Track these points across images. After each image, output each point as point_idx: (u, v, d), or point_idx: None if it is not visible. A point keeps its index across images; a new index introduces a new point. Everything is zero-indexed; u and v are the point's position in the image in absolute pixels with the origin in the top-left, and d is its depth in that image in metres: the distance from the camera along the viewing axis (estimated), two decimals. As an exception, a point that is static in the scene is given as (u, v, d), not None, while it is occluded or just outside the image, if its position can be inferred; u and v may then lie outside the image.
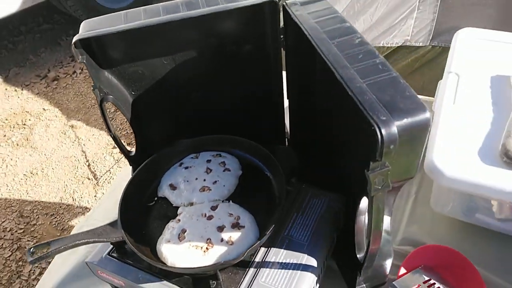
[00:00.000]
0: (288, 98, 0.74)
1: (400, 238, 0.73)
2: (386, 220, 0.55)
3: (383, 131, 0.39)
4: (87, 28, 0.60)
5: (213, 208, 0.66)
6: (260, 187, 0.70)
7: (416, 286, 0.64)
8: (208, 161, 0.73)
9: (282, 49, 0.67)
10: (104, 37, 0.60)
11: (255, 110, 0.72)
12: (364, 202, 0.54)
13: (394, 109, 0.41)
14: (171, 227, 0.63)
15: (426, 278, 0.65)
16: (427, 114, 0.41)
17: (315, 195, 0.69)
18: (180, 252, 0.60)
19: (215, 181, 0.69)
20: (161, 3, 0.63)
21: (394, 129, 0.40)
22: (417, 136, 0.42)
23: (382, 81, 0.44)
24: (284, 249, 0.62)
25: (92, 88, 0.64)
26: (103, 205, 0.90)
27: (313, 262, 0.61)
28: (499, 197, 0.59)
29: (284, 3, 0.61)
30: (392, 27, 1.55)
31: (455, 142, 0.64)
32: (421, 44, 1.54)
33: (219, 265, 0.57)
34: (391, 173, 0.43)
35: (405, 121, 0.40)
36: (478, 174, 0.59)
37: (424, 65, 1.56)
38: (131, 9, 0.63)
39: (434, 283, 0.64)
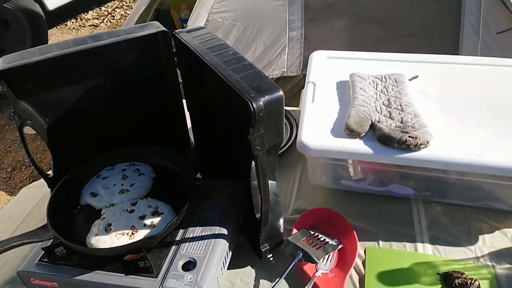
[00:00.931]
0: (188, 110, 0.90)
1: (291, 209, 0.91)
2: (273, 184, 0.73)
3: (254, 104, 0.58)
4: (6, 61, 0.70)
5: (133, 204, 0.77)
6: (174, 184, 0.83)
7: (305, 238, 0.81)
8: (124, 170, 0.84)
9: (177, 68, 0.84)
10: (20, 68, 0.70)
11: (161, 122, 0.86)
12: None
13: (260, 90, 0.60)
14: (97, 224, 0.72)
15: (312, 233, 0.83)
16: (280, 92, 0.61)
17: (220, 185, 0.84)
18: (109, 241, 0.69)
19: (132, 184, 0.80)
20: (71, 39, 0.76)
21: (260, 102, 0.58)
22: (276, 107, 0.61)
23: (250, 74, 0.63)
24: (199, 226, 0.75)
25: (11, 114, 0.72)
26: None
27: (224, 231, 0.75)
28: (347, 157, 0.82)
29: (174, 32, 0.78)
30: (271, 62, 1.85)
31: (316, 126, 0.86)
32: (294, 74, 1.86)
33: (145, 240, 0.67)
34: (266, 138, 0.61)
35: (267, 97, 0.59)
36: (332, 144, 0.81)
37: (300, 90, 1.88)
38: (45, 45, 0.74)
39: (318, 235, 0.83)
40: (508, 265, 0.76)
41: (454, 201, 0.88)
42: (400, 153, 0.78)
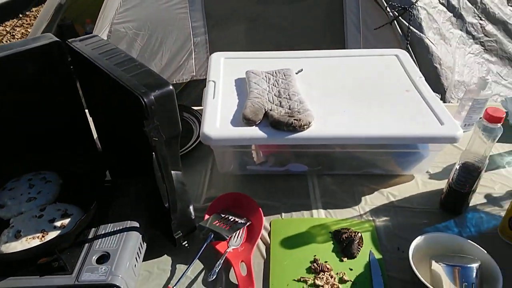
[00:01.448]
0: (90, 115, 0.93)
1: (204, 198, 0.99)
2: (178, 174, 0.79)
3: (145, 98, 0.64)
4: None
5: (42, 209, 0.78)
6: (82, 187, 0.86)
7: (216, 221, 0.89)
8: (30, 179, 0.85)
9: (74, 77, 0.86)
10: None
11: (65, 129, 0.88)
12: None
13: (150, 86, 0.66)
14: (7, 232, 0.73)
15: (223, 216, 0.91)
16: (170, 87, 0.68)
17: (129, 183, 0.89)
18: (19, 246, 0.70)
19: (39, 191, 0.81)
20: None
21: (151, 96, 0.65)
22: (168, 100, 0.68)
23: (141, 73, 0.70)
24: (111, 223, 0.79)
25: None
26: None
27: (135, 224, 0.79)
28: (245, 143, 0.92)
29: (67, 41, 0.81)
30: (179, 67, 1.91)
31: (217, 119, 0.94)
32: (204, 77, 1.94)
33: (55, 239, 0.70)
34: (162, 129, 0.68)
35: (157, 91, 0.66)
36: (232, 133, 0.90)
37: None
38: None
39: (228, 216, 0.91)
40: (384, 218, 0.91)
41: (341, 172, 1.03)
42: (289, 134, 0.89)
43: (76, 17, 3.00)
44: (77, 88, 0.88)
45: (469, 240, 0.78)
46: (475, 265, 0.72)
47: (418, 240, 0.78)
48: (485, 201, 0.96)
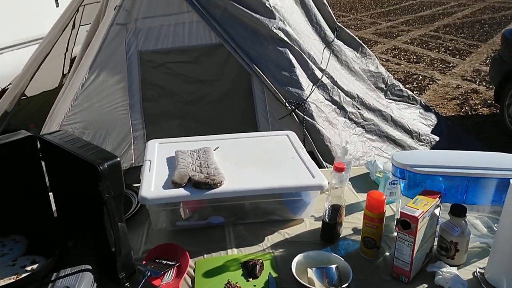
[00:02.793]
0: (51, 190, 1.20)
1: (142, 251, 1.25)
2: (122, 226, 1.07)
3: (100, 166, 0.96)
4: None
5: (14, 260, 1.01)
6: (47, 244, 1.09)
7: (152, 264, 1.15)
8: (1, 241, 1.07)
9: (42, 161, 1.16)
10: None
11: (32, 201, 1.14)
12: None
13: (104, 158, 0.98)
14: (-15, 278, 0.94)
15: (157, 260, 1.18)
16: (118, 159, 1.01)
17: (82, 237, 1.14)
18: (-3, 285, 0.92)
19: (11, 248, 1.04)
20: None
21: (105, 165, 0.97)
22: (116, 168, 1.00)
23: (97, 151, 1.02)
24: (69, 267, 1.03)
25: None
26: None
27: (88, 267, 1.04)
28: (173, 200, 1.23)
29: (39, 136, 1.13)
30: (121, 156, 2.22)
31: (151, 185, 1.25)
32: (141, 164, 2.25)
33: (28, 276, 0.93)
34: (111, 189, 0.99)
35: (109, 162, 0.98)
36: (163, 193, 1.22)
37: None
38: None
39: (162, 260, 1.17)
40: (281, 250, 1.24)
41: (250, 221, 1.36)
42: (207, 191, 1.23)
43: (21, 123, 3.25)
44: (42, 171, 1.17)
45: (332, 253, 1.13)
46: (334, 266, 1.06)
47: (299, 257, 1.11)
48: (352, 232, 1.32)
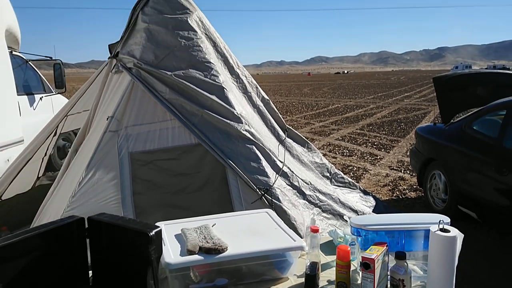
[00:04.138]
0: (91, 262, 1.48)
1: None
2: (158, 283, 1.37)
3: (150, 233, 1.30)
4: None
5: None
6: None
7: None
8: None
9: (87, 238, 1.45)
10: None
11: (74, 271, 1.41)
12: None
13: (150, 227, 1.33)
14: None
15: (181, 314, 1.45)
16: (160, 228, 1.36)
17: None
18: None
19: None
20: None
21: (153, 232, 1.31)
22: (159, 235, 1.34)
23: (139, 222, 1.37)
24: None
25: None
26: None
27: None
28: (189, 265, 1.55)
29: (89, 217, 1.44)
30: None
31: (170, 254, 1.57)
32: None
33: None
34: (157, 251, 1.32)
35: (154, 230, 1.33)
36: (182, 259, 1.54)
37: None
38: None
39: (185, 313, 1.45)
40: (276, 298, 1.57)
41: (247, 281, 1.69)
42: (216, 255, 1.57)
43: (-8, 224, 3.31)
44: (86, 246, 1.46)
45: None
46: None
47: (294, 298, 1.46)
48: (327, 283, 1.70)
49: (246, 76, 3.45)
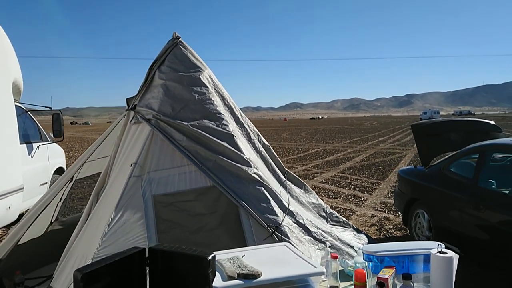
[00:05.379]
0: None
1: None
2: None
3: (208, 257, 1.57)
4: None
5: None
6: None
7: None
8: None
9: (147, 266, 1.70)
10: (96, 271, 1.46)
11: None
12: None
13: (206, 253, 1.60)
14: None
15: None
16: (214, 254, 1.63)
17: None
18: None
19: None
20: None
21: (210, 256, 1.58)
22: (214, 260, 1.61)
23: (189, 249, 1.64)
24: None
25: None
26: None
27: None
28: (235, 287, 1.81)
29: (150, 247, 1.69)
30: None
31: (216, 280, 1.82)
32: None
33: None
34: (213, 274, 1.58)
35: (211, 255, 1.60)
36: (225, 284, 1.79)
37: None
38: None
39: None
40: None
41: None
42: (253, 280, 1.83)
43: (7, 269, 3.40)
44: (145, 274, 1.70)
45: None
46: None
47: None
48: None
49: (248, 125, 3.83)
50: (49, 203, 3.30)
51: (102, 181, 3.25)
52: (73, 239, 2.91)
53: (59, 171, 6.93)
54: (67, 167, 7.56)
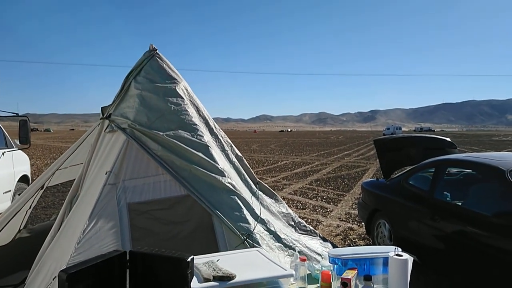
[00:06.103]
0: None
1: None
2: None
3: (187, 259, 1.69)
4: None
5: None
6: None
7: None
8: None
9: (127, 269, 1.78)
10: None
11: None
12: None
13: (185, 255, 1.72)
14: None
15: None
16: (193, 256, 1.75)
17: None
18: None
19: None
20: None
21: (189, 258, 1.70)
22: (193, 261, 1.73)
23: (177, 253, 1.75)
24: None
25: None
26: None
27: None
28: (209, 290, 1.92)
29: (131, 250, 1.78)
30: None
31: (194, 281, 1.93)
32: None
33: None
34: (191, 275, 1.70)
35: (190, 257, 1.72)
36: (201, 285, 1.90)
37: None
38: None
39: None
40: (276, 315, 1.97)
41: (250, 303, 2.07)
42: (228, 282, 1.96)
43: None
44: (126, 276, 1.78)
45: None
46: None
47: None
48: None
49: (222, 136, 3.97)
50: (19, 211, 3.27)
51: (75, 188, 3.27)
52: (46, 246, 2.90)
53: (24, 179, 6.75)
54: (30, 175, 7.37)
